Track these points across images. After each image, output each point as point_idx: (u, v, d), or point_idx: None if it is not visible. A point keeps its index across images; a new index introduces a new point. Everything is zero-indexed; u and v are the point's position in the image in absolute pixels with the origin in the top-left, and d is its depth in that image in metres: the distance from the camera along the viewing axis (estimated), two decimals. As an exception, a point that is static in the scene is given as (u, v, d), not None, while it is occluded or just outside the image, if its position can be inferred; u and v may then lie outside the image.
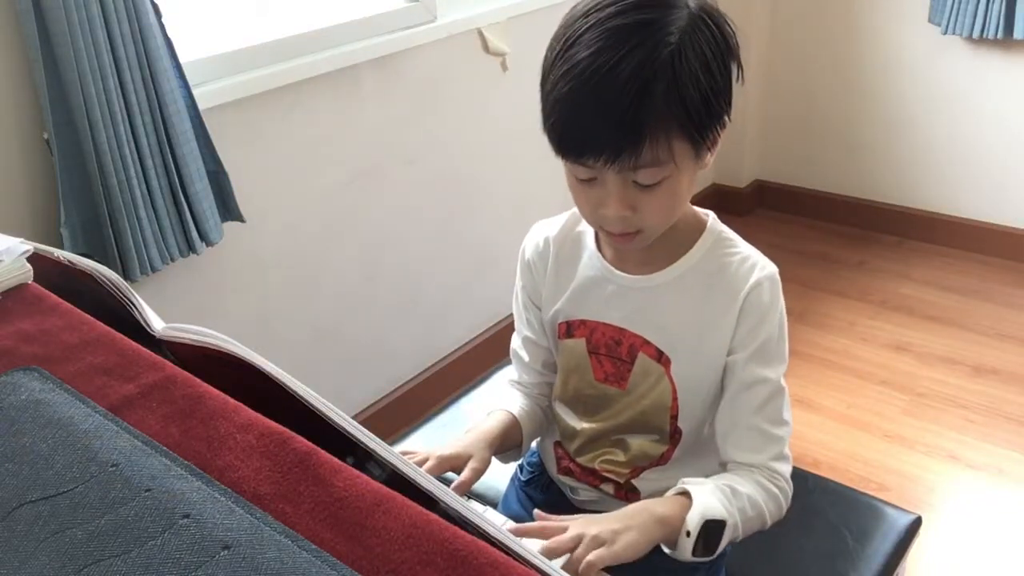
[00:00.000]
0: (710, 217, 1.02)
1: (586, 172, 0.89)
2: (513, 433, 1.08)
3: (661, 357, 1.00)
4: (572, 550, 0.83)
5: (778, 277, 0.99)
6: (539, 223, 1.12)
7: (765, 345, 0.97)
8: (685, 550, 0.89)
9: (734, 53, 0.89)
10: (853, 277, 2.81)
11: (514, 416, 1.08)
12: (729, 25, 0.89)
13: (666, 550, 0.91)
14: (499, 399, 1.13)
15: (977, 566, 1.75)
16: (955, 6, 2.57)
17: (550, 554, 0.82)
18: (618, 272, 1.01)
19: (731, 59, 0.88)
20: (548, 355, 1.13)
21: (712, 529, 0.90)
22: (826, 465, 1.98)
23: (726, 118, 0.90)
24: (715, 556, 0.92)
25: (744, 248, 1.01)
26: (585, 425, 1.09)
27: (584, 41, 0.84)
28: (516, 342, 1.16)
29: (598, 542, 0.83)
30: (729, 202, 3.19)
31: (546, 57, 0.90)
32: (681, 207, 0.95)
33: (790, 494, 1.00)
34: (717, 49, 0.86)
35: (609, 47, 0.82)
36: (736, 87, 0.90)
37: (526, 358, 1.14)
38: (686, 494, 0.92)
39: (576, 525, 0.85)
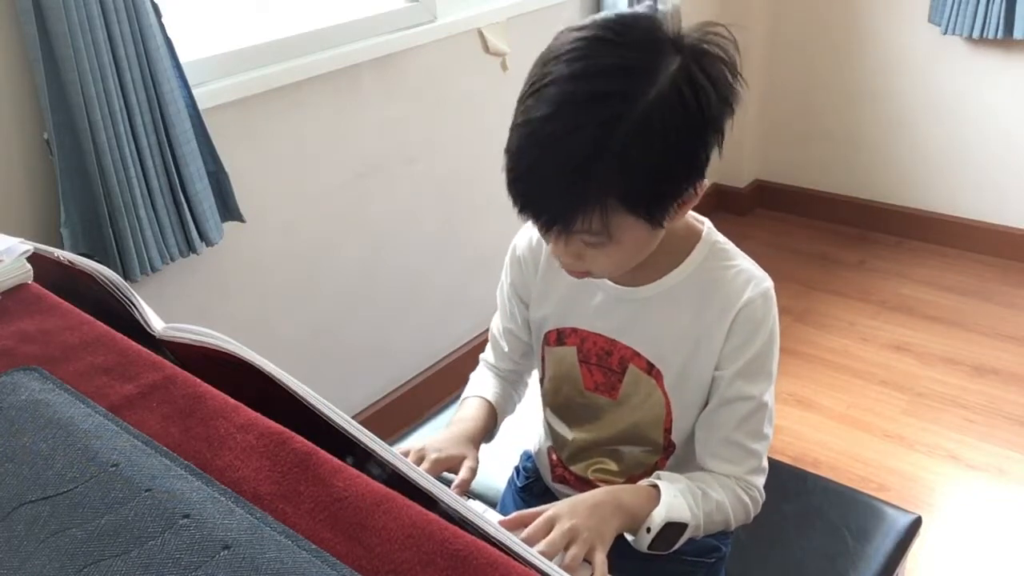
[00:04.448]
0: (705, 226, 0.99)
1: (532, 222, 0.88)
2: (491, 419, 1.09)
3: (652, 370, 0.99)
4: (564, 547, 0.83)
5: (773, 293, 0.96)
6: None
7: (752, 363, 0.95)
8: (643, 544, 0.90)
9: (715, 124, 0.82)
10: (853, 277, 2.81)
11: (490, 403, 1.09)
12: (725, 83, 0.81)
13: (628, 538, 0.92)
14: (473, 383, 1.14)
15: (977, 566, 1.75)
16: (955, 6, 2.57)
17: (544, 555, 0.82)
18: (608, 282, 0.99)
19: (707, 133, 0.82)
20: (527, 347, 1.13)
21: (673, 528, 0.90)
22: (826, 465, 1.98)
23: (694, 188, 0.85)
24: (670, 551, 0.92)
25: (740, 261, 0.98)
26: (575, 435, 1.09)
27: (544, 96, 0.80)
28: (497, 328, 1.16)
29: (588, 542, 0.84)
30: (729, 202, 3.20)
31: (525, 83, 0.86)
32: (636, 259, 0.92)
33: (761, 503, 1.00)
34: (687, 125, 0.80)
35: (561, 115, 0.78)
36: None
37: (505, 348, 1.14)
38: (656, 487, 0.93)
39: (561, 520, 0.85)
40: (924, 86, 2.81)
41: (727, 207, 3.18)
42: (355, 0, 1.90)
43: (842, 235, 3.06)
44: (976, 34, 2.55)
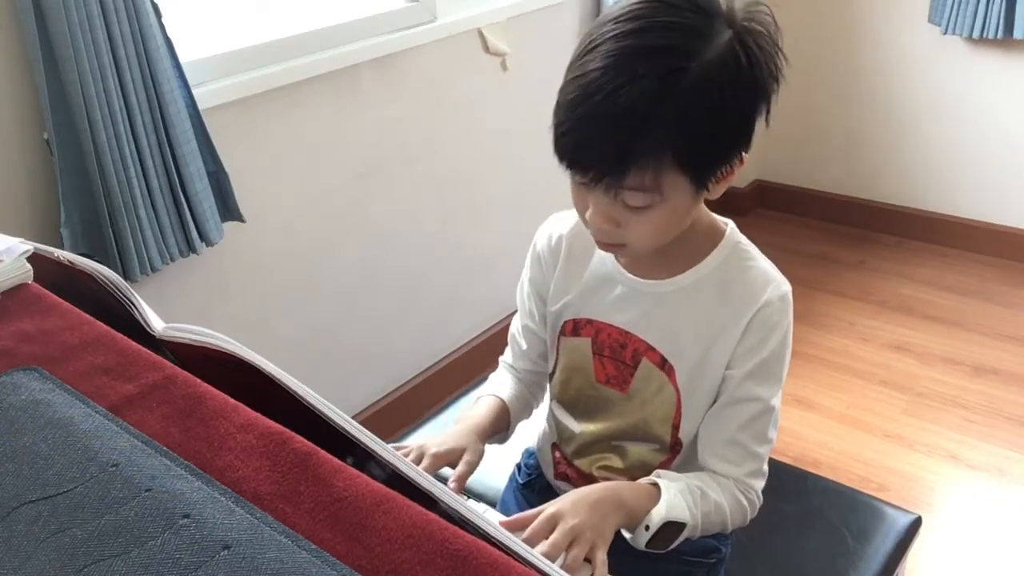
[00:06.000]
0: (729, 226, 1.00)
1: (579, 176, 0.88)
2: (502, 418, 1.08)
3: (664, 365, 0.99)
4: (567, 547, 0.83)
5: (790, 297, 0.97)
6: (555, 216, 1.10)
7: (763, 364, 0.96)
8: (640, 542, 0.90)
9: (764, 93, 0.85)
10: (853, 277, 2.81)
11: (503, 401, 1.08)
12: (772, 57, 0.85)
13: (626, 535, 0.92)
14: (490, 383, 1.13)
15: (977, 566, 1.75)
16: (955, 6, 2.57)
17: (547, 556, 0.82)
18: (628, 274, 1.00)
19: (759, 100, 0.85)
20: (545, 347, 1.13)
21: (672, 528, 0.91)
22: (826, 465, 1.98)
23: (739, 157, 0.87)
24: (667, 550, 0.93)
25: (761, 262, 0.99)
26: (583, 428, 1.08)
27: (601, 52, 0.82)
28: (516, 327, 1.15)
29: (589, 541, 0.84)
30: (729, 202, 3.18)
31: (574, 51, 0.88)
32: (672, 232, 0.92)
33: (758, 506, 1.00)
34: (740, 89, 0.82)
35: (619, 66, 0.80)
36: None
37: (524, 346, 1.14)
38: (656, 485, 0.93)
39: (564, 519, 0.85)
40: (924, 86, 2.81)
41: (727, 207, 3.16)
42: (355, 0, 1.90)
43: (842, 235, 3.06)
44: (976, 34, 2.55)
